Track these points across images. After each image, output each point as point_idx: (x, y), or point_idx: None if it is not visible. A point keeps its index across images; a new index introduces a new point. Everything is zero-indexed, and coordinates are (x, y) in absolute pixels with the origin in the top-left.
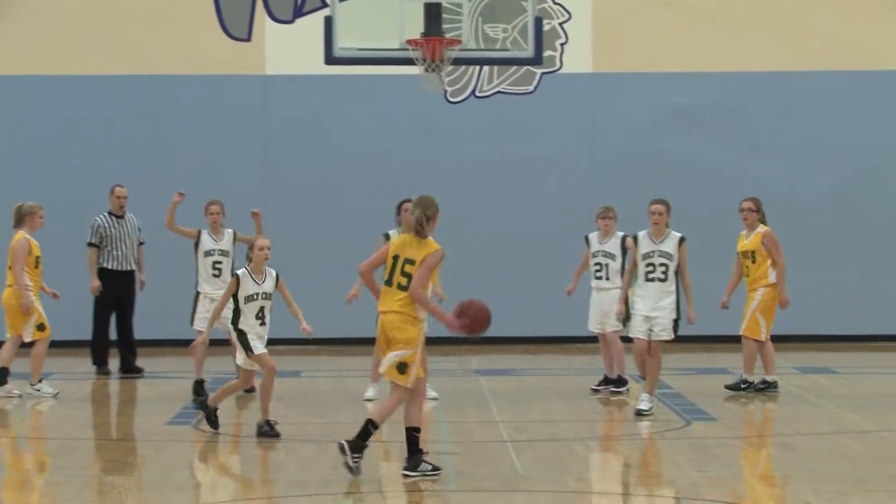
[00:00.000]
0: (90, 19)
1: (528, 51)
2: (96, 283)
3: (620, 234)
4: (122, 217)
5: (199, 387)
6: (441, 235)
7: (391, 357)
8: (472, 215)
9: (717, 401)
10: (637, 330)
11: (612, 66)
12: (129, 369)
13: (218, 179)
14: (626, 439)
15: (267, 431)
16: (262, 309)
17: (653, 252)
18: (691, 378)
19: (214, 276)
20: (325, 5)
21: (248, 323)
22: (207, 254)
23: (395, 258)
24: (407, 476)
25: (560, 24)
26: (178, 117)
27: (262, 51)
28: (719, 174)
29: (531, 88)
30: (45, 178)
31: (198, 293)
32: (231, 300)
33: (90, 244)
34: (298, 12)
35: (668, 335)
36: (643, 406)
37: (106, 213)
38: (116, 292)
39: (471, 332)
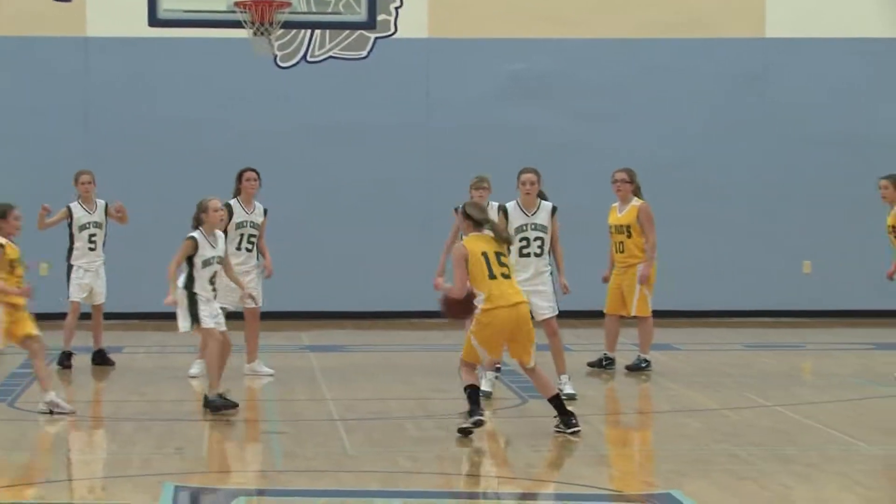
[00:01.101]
0: None
1: (361, 14)
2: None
3: (495, 204)
4: None
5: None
6: (271, 205)
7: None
8: (304, 185)
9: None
10: None
11: (449, 32)
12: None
13: (36, 146)
14: (460, 418)
15: (222, 404)
16: (215, 274)
17: (525, 225)
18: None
19: (91, 249)
20: None
21: (204, 288)
22: (83, 227)
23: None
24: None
25: None
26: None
27: (83, 10)
28: (556, 143)
29: (364, 54)
30: None
31: (71, 265)
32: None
33: None
34: None
35: (553, 312)
36: (569, 390)
37: None
38: None
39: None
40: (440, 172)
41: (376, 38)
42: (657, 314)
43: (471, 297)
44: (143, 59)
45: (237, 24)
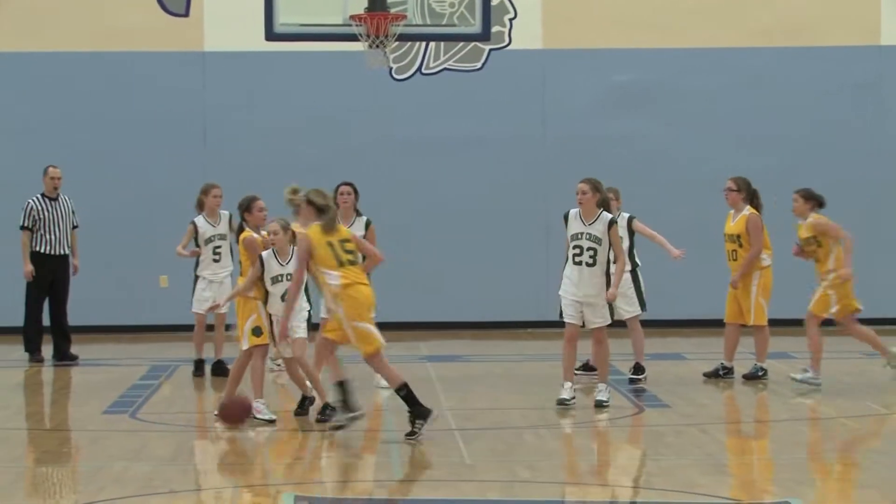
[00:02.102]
0: None
1: (475, 26)
2: (29, 267)
3: (626, 215)
4: (55, 199)
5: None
6: (388, 216)
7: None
8: (420, 196)
9: (671, 387)
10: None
11: (563, 43)
12: (64, 357)
13: (155, 158)
14: (579, 427)
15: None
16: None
17: (580, 234)
18: (656, 364)
19: (215, 261)
20: None
21: (276, 306)
22: (208, 241)
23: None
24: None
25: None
26: (115, 95)
27: (201, 27)
28: (665, 152)
29: (479, 65)
30: None
31: (196, 276)
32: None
33: (23, 227)
34: None
35: (603, 322)
36: (602, 397)
37: (39, 196)
38: (50, 277)
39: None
40: (555, 182)
41: (491, 50)
42: (775, 322)
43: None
44: (260, 72)
45: (352, 38)
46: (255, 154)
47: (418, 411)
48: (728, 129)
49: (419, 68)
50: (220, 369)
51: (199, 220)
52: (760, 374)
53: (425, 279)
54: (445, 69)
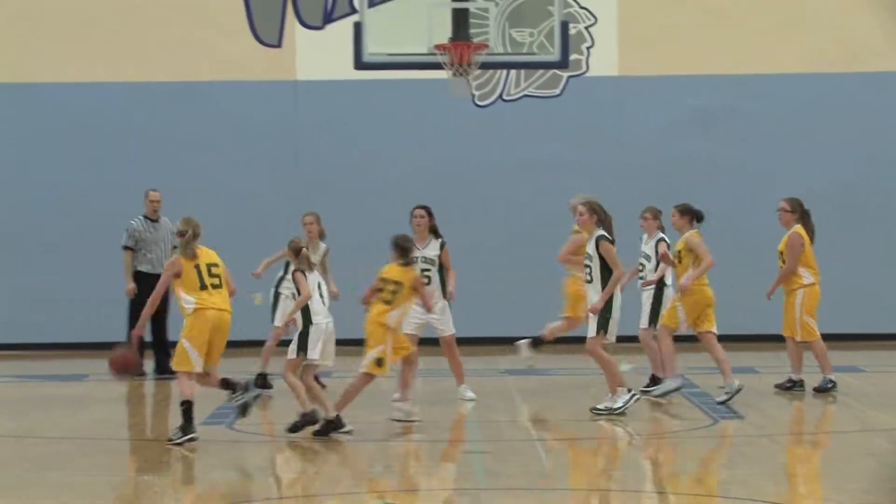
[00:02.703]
0: (123, 26)
1: (554, 54)
2: (131, 285)
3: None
4: (156, 221)
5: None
6: (467, 238)
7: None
8: (499, 218)
9: (743, 399)
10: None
11: (638, 70)
12: (164, 370)
13: (250, 184)
14: (655, 438)
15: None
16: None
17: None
18: (718, 377)
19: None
20: (354, 11)
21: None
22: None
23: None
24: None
25: (586, 28)
26: (212, 122)
27: (293, 56)
28: (744, 175)
29: (558, 91)
30: (82, 182)
31: (277, 293)
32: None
33: (125, 247)
34: (328, 18)
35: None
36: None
37: (141, 217)
38: (145, 295)
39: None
40: (631, 204)
41: (569, 77)
42: (840, 338)
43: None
44: (349, 99)
45: (437, 66)
46: (345, 177)
47: (186, 427)
48: (798, 150)
49: (500, 95)
50: (262, 382)
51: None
52: (829, 386)
53: (504, 295)
54: (526, 95)
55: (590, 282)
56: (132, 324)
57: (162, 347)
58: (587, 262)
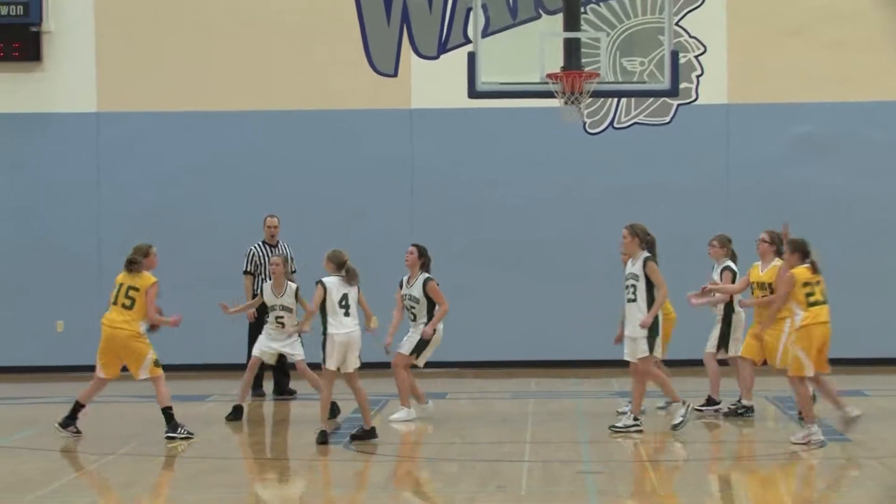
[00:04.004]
0: (241, 58)
1: (664, 83)
2: (251, 309)
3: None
4: (274, 246)
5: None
6: (579, 260)
7: None
8: (610, 241)
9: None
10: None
11: (748, 98)
12: (283, 391)
13: (366, 211)
14: (764, 459)
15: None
16: None
17: (628, 274)
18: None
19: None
20: (468, 41)
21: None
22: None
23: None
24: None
25: (696, 57)
26: (329, 150)
27: (408, 86)
28: (848, 201)
29: (668, 119)
30: (202, 207)
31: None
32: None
33: (245, 272)
34: (443, 48)
35: (632, 357)
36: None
37: (260, 242)
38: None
39: None
40: (738, 231)
41: (678, 105)
42: None
43: None
44: (463, 127)
45: (549, 94)
46: (458, 205)
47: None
48: None
49: (611, 123)
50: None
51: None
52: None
53: (614, 320)
54: (636, 123)
55: (633, 301)
56: (252, 346)
57: (280, 368)
58: (633, 281)
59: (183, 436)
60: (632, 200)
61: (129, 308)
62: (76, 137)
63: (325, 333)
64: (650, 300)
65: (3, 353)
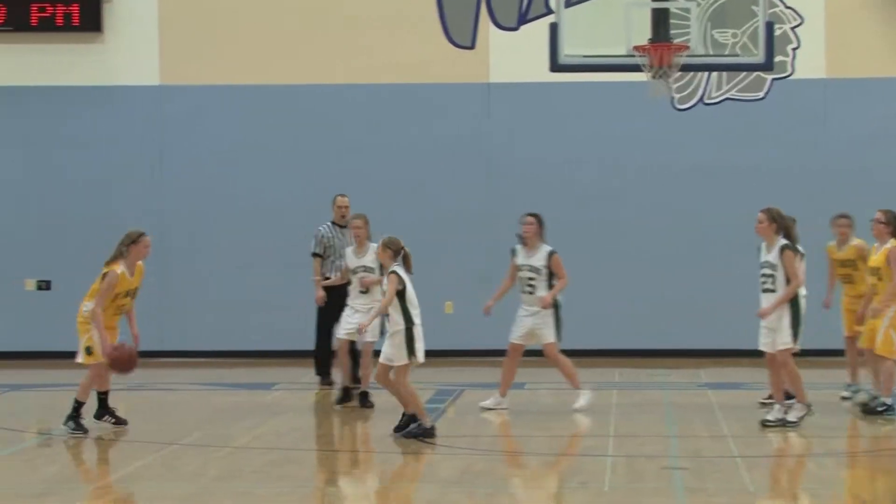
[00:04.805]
0: (309, 30)
1: (758, 56)
2: (321, 293)
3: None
4: (344, 227)
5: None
6: (667, 243)
7: None
8: (701, 223)
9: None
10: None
11: (846, 72)
12: (353, 380)
13: (441, 186)
14: (861, 456)
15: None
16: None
17: (764, 262)
18: None
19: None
20: (550, 11)
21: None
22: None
23: None
24: None
25: (792, 29)
26: (402, 126)
27: (486, 58)
28: None
29: (761, 94)
30: (267, 185)
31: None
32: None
33: (314, 254)
34: (523, 19)
35: (772, 349)
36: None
37: (329, 223)
38: (340, 303)
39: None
40: (832, 210)
41: (773, 80)
42: None
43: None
44: (543, 102)
45: (635, 68)
46: (538, 182)
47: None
48: None
49: (701, 98)
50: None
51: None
52: (881, 409)
53: (702, 306)
54: (727, 98)
55: (772, 291)
56: (320, 332)
57: (351, 355)
58: (769, 270)
59: (71, 431)
60: (723, 178)
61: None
62: (138, 111)
63: (409, 325)
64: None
65: (65, 337)
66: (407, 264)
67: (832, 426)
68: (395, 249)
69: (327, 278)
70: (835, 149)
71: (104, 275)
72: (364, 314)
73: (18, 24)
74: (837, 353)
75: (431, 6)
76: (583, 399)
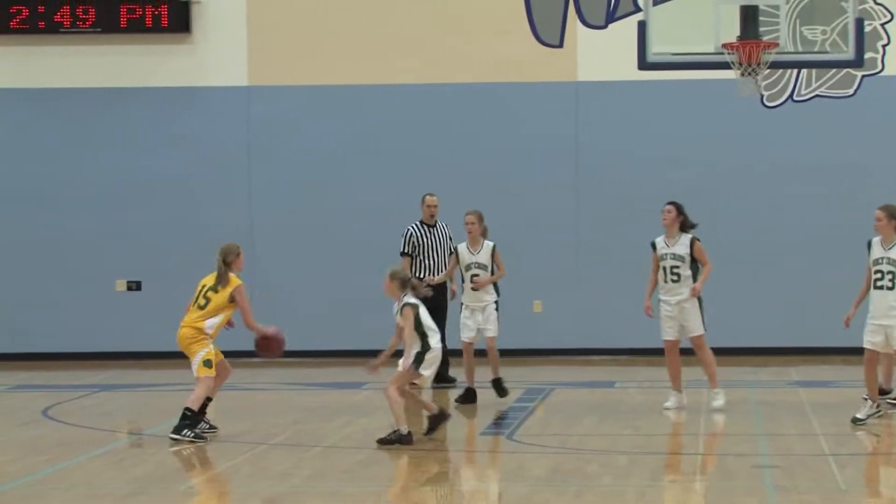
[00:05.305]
0: (397, 30)
1: (848, 53)
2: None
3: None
4: (433, 226)
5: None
6: (754, 243)
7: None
8: (786, 221)
9: None
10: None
11: None
12: (443, 379)
13: (529, 185)
14: None
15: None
16: None
17: (881, 259)
18: None
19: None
20: (638, 10)
21: None
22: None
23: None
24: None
25: (882, 25)
26: (489, 125)
27: (574, 57)
28: None
29: (851, 92)
30: (355, 185)
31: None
32: None
33: (403, 253)
34: (611, 17)
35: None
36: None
37: (418, 222)
38: (430, 302)
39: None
40: None
41: (863, 76)
42: None
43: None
44: (632, 101)
45: (724, 66)
46: (627, 181)
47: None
48: None
49: (790, 95)
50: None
51: (461, 247)
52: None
53: (790, 303)
54: (817, 96)
55: (891, 288)
56: None
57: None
58: (889, 267)
59: (189, 439)
60: (813, 177)
61: (203, 308)
62: (227, 112)
63: (425, 349)
64: None
65: (154, 338)
66: (416, 291)
67: None
68: (401, 280)
69: (417, 278)
70: None
71: (235, 289)
72: (480, 311)
73: (108, 25)
74: None
75: (520, 5)
76: (720, 399)
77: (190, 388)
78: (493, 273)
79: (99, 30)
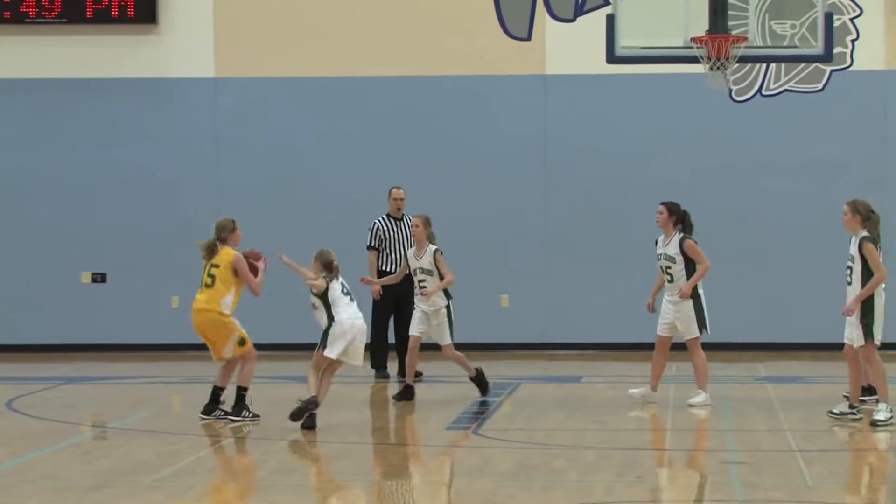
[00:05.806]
0: (364, 22)
1: (817, 48)
2: (376, 286)
3: None
4: (400, 219)
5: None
6: (725, 238)
7: None
8: (758, 217)
9: None
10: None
11: None
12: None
13: (498, 178)
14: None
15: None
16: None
17: (848, 255)
18: None
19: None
20: (606, 3)
21: None
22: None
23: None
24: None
25: (851, 20)
26: (457, 118)
27: (542, 50)
28: None
29: (820, 86)
30: (323, 178)
31: None
32: None
33: (369, 247)
34: (580, 10)
35: (853, 342)
36: (879, 416)
37: (384, 216)
38: (395, 295)
39: None
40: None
41: (832, 71)
42: None
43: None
44: (600, 95)
45: (693, 60)
46: (595, 174)
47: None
48: None
49: (759, 90)
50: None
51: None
52: None
53: (760, 300)
54: (786, 90)
55: (850, 284)
56: (376, 323)
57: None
58: (849, 263)
59: (249, 419)
60: (781, 172)
61: (210, 287)
62: (194, 104)
63: (330, 323)
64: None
65: (119, 331)
66: (335, 274)
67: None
68: (324, 263)
69: (383, 271)
70: (894, 140)
71: (234, 260)
72: (433, 315)
73: (73, 16)
74: None
75: None
76: (699, 397)
77: (155, 381)
78: (441, 278)
79: (65, 20)
